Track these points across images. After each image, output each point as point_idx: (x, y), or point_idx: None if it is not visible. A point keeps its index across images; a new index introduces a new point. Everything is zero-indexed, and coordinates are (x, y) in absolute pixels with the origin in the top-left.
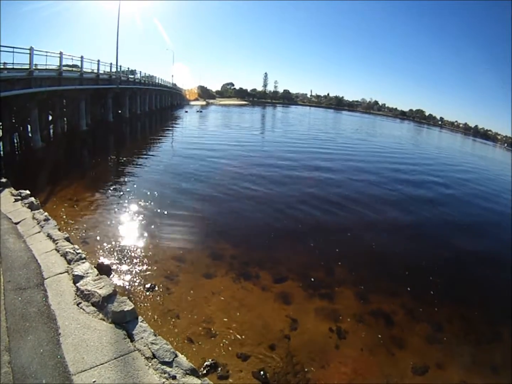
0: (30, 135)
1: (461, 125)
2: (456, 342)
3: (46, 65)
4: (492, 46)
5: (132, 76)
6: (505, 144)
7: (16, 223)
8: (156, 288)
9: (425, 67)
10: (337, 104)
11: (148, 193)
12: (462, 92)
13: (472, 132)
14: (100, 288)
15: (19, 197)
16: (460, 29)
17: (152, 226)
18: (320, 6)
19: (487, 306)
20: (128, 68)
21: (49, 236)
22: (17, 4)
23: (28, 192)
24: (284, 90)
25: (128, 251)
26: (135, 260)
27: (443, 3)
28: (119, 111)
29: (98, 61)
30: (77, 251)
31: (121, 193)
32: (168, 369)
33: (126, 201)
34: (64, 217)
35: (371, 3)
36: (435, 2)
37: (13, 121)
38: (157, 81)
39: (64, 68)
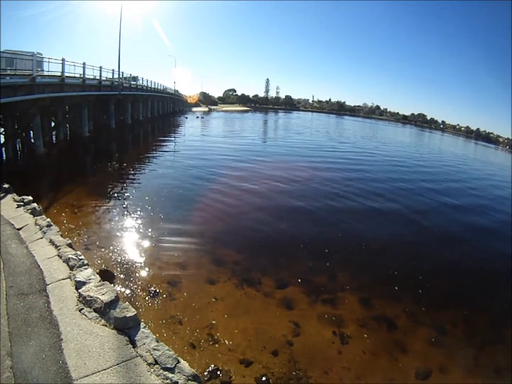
0: (32, 141)
1: (462, 129)
2: (459, 345)
3: (48, 71)
4: (493, 47)
5: (134, 83)
6: (507, 147)
7: (19, 229)
8: (159, 294)
9: (426, 70)
10: (339, 109)
11: (150, 199)
12: (463, 94)
13: (474, 135)
14: (103, 294)
15: (21, 203)
16: (460, 31)
17: (155, 232)
18: (321, 10)
19: (490, 308)
20: (130, 75)
21: (51, 242)
22: (20, 9)
23: (30, 198)
24: (286, 96)
25: (131, 257)
26: (137, 266)
27: (443, 4)
28: (121, 118)
29: (100, 67)
30: (80, 257)
31: (123, 199)
32: (170, 375)
33: (128, 207)
34: (66, 223)
35: (371, 6)
36: (435, 3)
37: (16, 127)
38: (159, 87)
39: (67, 74)
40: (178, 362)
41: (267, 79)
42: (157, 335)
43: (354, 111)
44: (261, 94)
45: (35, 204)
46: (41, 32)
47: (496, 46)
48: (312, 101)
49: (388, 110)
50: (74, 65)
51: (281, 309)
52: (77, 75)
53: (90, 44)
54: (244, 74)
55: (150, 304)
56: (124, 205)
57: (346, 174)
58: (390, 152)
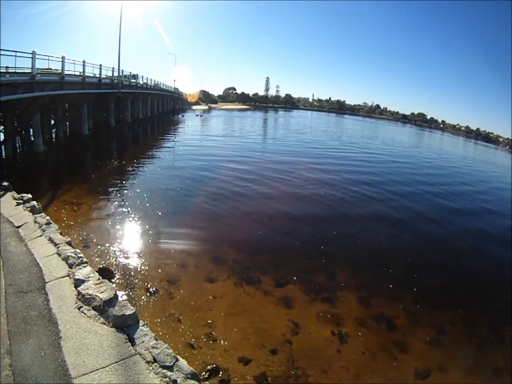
0: (32, 139)
1: (462, 128)
2: (459, 345)
3: (48, 69)
4: (493, 47)
5: (134, 81)
6: (507, 147)
7: (18, 227)
8: (158, 292)
9: (426, 70)
10: (339, 108)
11: (149, 197)
12: (463, 94)
13: (474, 135)
14: (101, 292)
15: (21, 201)
16: (460, 30)
17: (154, 230)
18: (321, 9)
19: (489, 308)
20: (130, 73)
21: (50, 240)
22: (19, 8)
23: (30, 195)
24: (286, 94)
25: (130, 255)
26: (137, 264)
27: (443, 4)
28: (121, 116)
29: (100, 65)
30: (79, 255)
31: (122, 197)
32: (169, 373)
33: (127, 205)
34: (66, 220)
35: (371, 6)
36: (435, 3)
37: (16, 125)
38: (159, 85)
39: (66, 72)
40: (177, 360)
41: (267, 78)
42: (156, 333)
43: (354, 110)
44: (261, 92)
45: (34, 202)
46: (42, 31)
47: (496, 46)
48: (312, 99)
49: (388, 109)
50: (74, 63)
51: (280, 307)
52: (77, 73)
53: (91, 43)
54: (244, 72)
55: (149, 302)
56: (123, 203)
57: (350, 176)
58: (394, 154)
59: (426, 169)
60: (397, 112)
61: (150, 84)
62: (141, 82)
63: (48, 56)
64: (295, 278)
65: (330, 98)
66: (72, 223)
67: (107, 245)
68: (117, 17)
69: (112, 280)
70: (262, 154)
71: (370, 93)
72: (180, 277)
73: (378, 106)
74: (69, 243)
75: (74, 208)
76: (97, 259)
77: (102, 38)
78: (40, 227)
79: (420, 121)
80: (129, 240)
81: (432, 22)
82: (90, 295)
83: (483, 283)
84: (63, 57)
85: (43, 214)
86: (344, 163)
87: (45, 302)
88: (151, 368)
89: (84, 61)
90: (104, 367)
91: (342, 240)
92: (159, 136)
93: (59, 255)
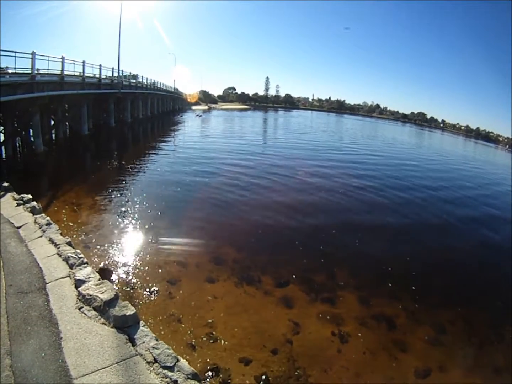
0: (32, 139)
1: (462, 128)
2: (459, 344)
3: (48, 69)
4: (493, 47)
5: (134, 81)
6: (507, 146)
7: (18, 227)
8: (158, 293)
9: (427, 69)
10: (339, 107)
11: (150, 197)
12: (463, 93)
13: (473, 134)
14: (102, 293)
15: (21, 202)
16: (460, 30)
17: (154, 231)
18: (321, 9)
19: (489, 308)
20: (130, 73)
21: (51, 240)
22: (20, 8)
23: (30, 196)
24: (286, 94)
25: (130, 255)
26: (137, 265)
27: (443, 3)
28: (121, 116)
29: (100, 65)
30: (79, 256)
31: (123, 197)
32: (169, 373)
33: (127, 205)
34: (66, 221)
35: (371, 6)
36: (435, 3)
37: (15, 125)
38: (159, 85)
39: (66, 72)
40: (178, 360)
41: (267, 78)
42: (157, 333)
43: (353, 110)
44: (261, 92)
45: (34, 203)
46: (41, 31)
47: (496, 46)
48: (312, 99)
49: (388, 108)
50: (74, 63)
51: (280, 307)
52: (77, 73)
53: (90, 43)
54: (244, 72)
55: (149, 303)
56: (123, 203)
57: (352, 178)
58: (397, 156)
59: (433, 172)
60: (397, 111)
61: (149, 84)
62: (141, 82)
63: (48, 56)
64: (295, 278)
65: (330, 98)
66: (72, 223)
67: (107, 245)
68: (117, 17)
69: (113, 280)
70: (262, 156)
71: (370, 93)
72: (180, 277)
73: (378, 106)
74: (69, 244)
75: (74, 209)
76: (97, 259)
77: (102, 38)
78: (40, 228)
79: (420, 120)
80: (129, 240)
81: (432, 22)
82: (90, 295)
83: (483, 282)
84: (62, 58)
85: (43, 214)
86: (346, 166)
87: (46, 303)
88: (151, 368)
89: (84, 62)
90: (104, 368)
91: (341, 240)
92: (159, 136)
93: (60, 256)
